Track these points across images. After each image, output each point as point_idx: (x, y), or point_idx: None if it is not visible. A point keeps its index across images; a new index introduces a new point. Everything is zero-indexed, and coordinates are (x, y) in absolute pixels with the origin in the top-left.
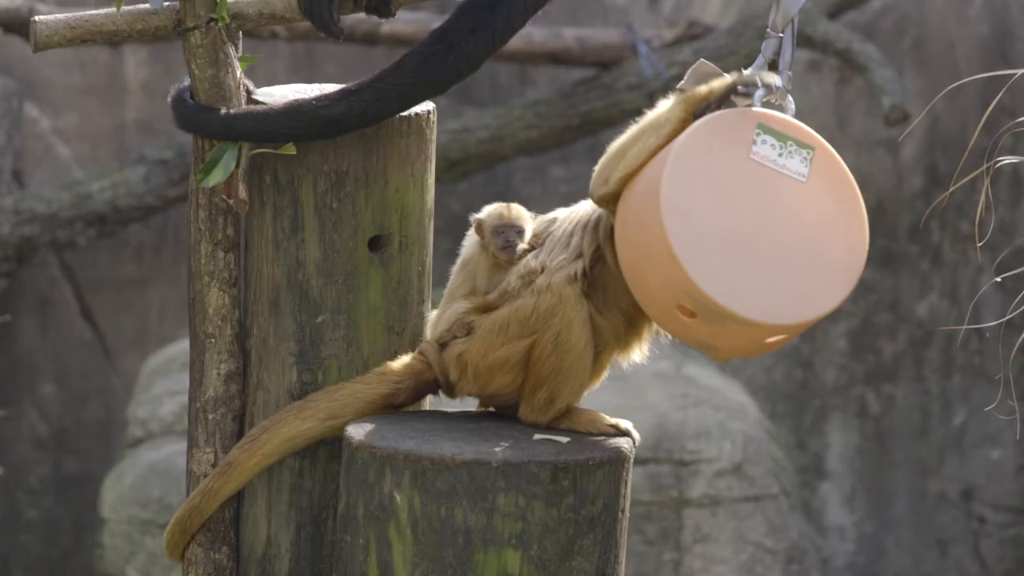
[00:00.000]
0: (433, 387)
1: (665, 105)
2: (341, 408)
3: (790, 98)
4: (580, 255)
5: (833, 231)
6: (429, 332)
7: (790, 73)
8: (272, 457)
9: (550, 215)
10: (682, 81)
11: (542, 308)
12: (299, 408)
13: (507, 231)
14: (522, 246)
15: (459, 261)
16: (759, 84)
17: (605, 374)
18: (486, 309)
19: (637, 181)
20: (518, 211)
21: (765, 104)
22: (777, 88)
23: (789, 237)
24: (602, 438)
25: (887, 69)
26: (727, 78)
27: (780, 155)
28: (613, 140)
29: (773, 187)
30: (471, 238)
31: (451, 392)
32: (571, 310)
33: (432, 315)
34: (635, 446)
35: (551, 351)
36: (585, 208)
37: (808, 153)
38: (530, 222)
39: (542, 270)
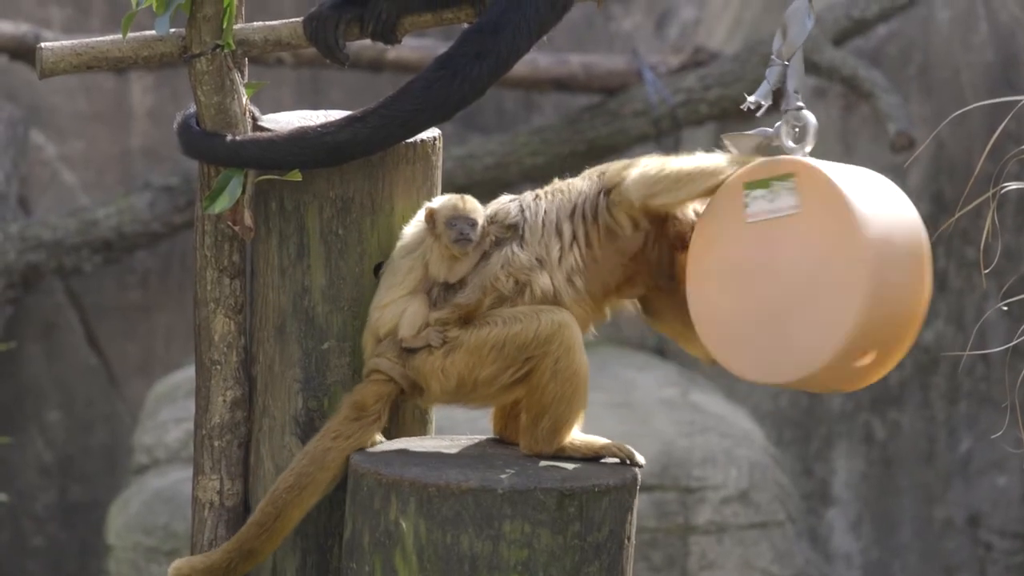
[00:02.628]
0: (398, 397)
1: (730, 159)
2: (338, 470)
3: (806, 113)
4: (575, 242)
5: (834, 243)
6: (379, 325)
7: (798, 94)
8: (288, 533)
9: (506, 200)
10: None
11: (543, 334)
12: (298, 487)
13: (460, 223)
14: (481, 237)
15: (402, 245)
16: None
17: None
18: (462, 316)
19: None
20: (472, 203)
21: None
22: (795, 109)
23: (804, 276)
24: (608, 463)
25: (893, 95)
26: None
27: (772, 201)
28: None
29: (777, 237)
30: (416, 224)
31: (414, 395)
32: (570, 336)
33: (380, 304)
34: (640, 467)
35: (550, 378)
36: (562, 194)
37: (792, 182)
38: (483, 215)
39: (540, 263)
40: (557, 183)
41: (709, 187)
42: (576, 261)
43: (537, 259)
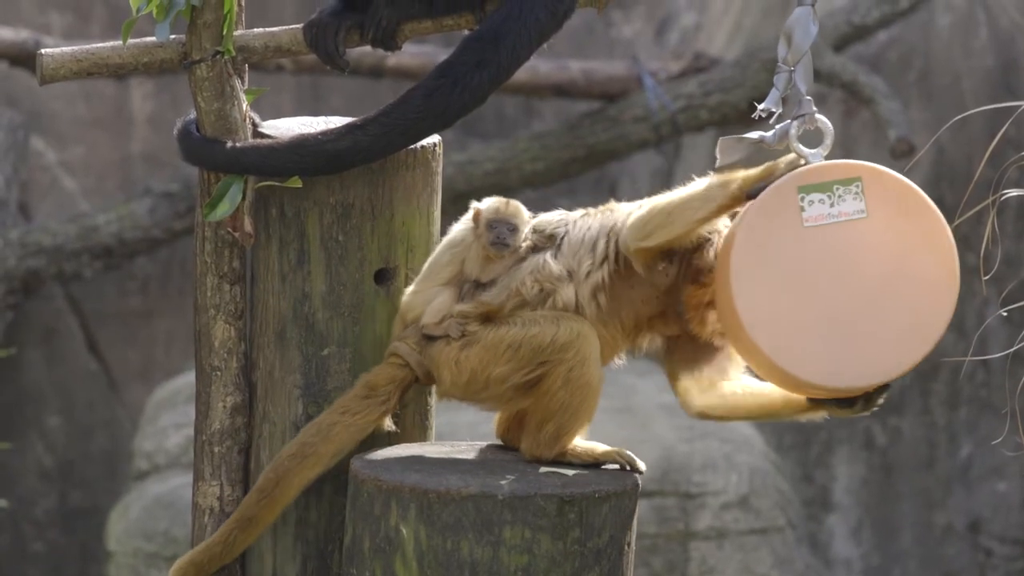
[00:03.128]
0: (412, 384)
1: (717, 180)
2: (342, 445)
3: (821, 116)
4: (606, 260)
5: (916, 247)
6: (407, 309)
7: (811, 98)
8: (287, 504)
9: (555, 214)
10: (718, 161)
11: (560, 341)
12: (300, 455)
13: (500, 226)
14: (521, 243)
15: (447, 239)
16: (808, 160)
17: None
18: (485, 313)
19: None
20: (516, 208)
21: (802, 134)
22: (807, 114)
23: (876, 282)
24: (608, 469)
25: (893, 101)
26: (782, 161)
27: (832, 205)
28: (656, 196)
29: (842, 242)
30: (465, 222)
31: (427, 384)
32: (586, 347)
33: (413, 290)
34: (641, 473)
35: (561, 385)
36: (610, 213)
37: (857, 186)
38: (527, 221)
39: (569, 275)
40: (612, 203)
41: (702, 217)
42: (604, 278)
43: (567, 271)
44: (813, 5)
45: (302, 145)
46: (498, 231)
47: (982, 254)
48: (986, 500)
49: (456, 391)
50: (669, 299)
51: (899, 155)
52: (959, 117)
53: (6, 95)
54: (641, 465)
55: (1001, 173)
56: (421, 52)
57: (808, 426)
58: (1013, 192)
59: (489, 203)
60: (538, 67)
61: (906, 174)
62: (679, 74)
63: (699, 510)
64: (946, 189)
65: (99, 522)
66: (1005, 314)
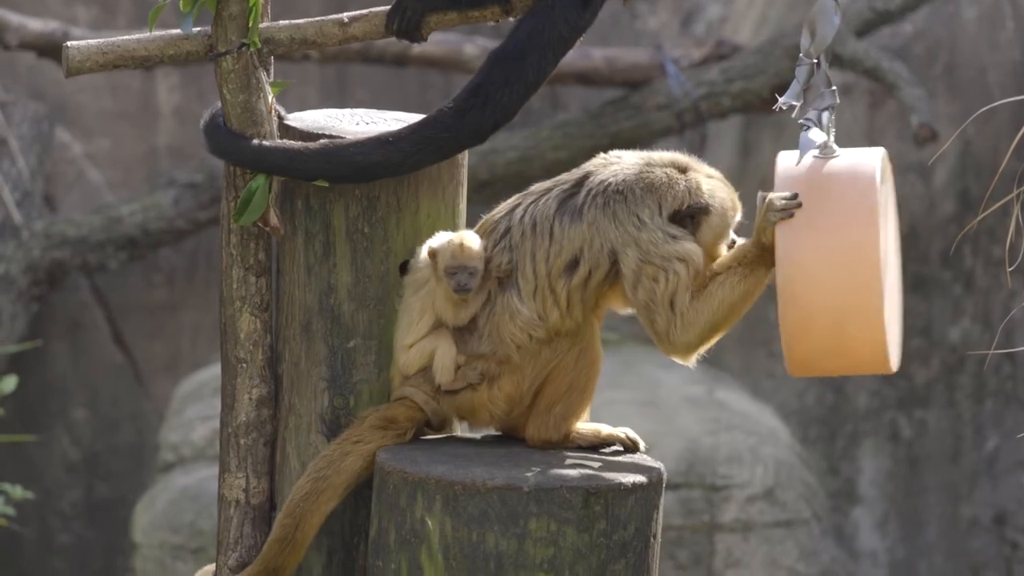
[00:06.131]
0: (424, 426)
1: (750, 258)
2: (354, 477)
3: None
4: (569, 298)
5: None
6: (407, 367)
7: (835, 87)
8: (310, 541)
9: (498, 233)
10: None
11: (566, 330)
12: (315, 493)
13: (459, 273)
14: (481, 281)
15: (412, 280)
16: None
17: None
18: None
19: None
20: (470, 250)
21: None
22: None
23: (892, 271)
24: (629, 459)
25: (916, 87)
26: (764, 210)
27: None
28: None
29: (887, 227)
30: (423, 262)
31: (442, 429)
32: (592, 326)
33: (403, 342)
34: (641, 451)
35: (572, 366)
36: (538, 236)
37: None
38: (483, 257)
39: (540, 318)
40: (533, 189)
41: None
42: (568, 297)
43: (538, 316)
44: None
45: (331, 155)
46: (458, 279)
47: (1007, 246)
48: (1012, 493)
49: (495, 422)
50: None
51: (922, 141)
52: (985, 109)
53: (32, 87)
54: (642, 444)
55: None
56: (445, 41)
57: (834, 419)
58: None
59: (443, 245)
60: None
61: (932, 165)
62: (701, 61)
63: (725, 502)
64: (972, 181)
65: (125, 514)
66: None
